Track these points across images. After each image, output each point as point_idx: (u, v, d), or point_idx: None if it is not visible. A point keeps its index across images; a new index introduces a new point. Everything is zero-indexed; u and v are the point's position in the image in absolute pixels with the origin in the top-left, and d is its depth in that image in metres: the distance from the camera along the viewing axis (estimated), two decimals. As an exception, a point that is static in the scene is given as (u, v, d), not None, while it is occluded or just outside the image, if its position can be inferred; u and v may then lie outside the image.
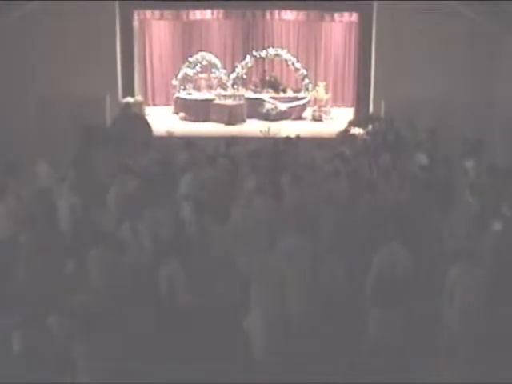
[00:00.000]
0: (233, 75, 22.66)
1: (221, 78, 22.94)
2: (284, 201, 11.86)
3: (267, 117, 21.83)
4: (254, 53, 22.78)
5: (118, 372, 7.64)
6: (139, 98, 21.32)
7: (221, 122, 21.35)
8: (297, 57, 23.32)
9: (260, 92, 22.96)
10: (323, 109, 22.36)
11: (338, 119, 21.65)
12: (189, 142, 14.71)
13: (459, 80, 18.63)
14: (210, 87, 23.12)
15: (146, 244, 10.48)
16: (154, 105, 24.19)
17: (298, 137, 15.56)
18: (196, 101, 22.26)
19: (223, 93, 22.19)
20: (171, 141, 17.16)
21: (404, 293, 9.00)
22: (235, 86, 22.49)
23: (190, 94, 22.63)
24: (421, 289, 9.70)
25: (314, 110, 22.40)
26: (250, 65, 22.79)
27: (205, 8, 21.73)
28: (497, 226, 10.63)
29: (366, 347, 8.69)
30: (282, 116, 22.05)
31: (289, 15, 22.32)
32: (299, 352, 8.97)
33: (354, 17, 21.63)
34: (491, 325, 8.98)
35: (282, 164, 13.51)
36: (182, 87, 22.82)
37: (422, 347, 9.06)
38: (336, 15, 22.14)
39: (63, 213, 11.51)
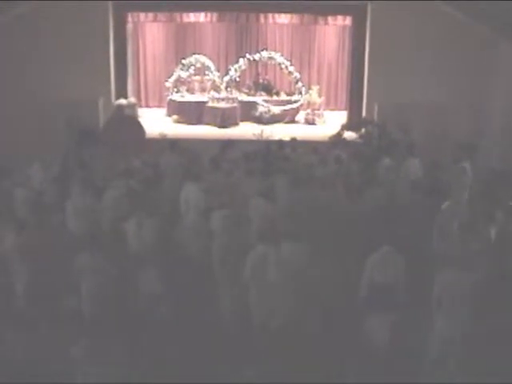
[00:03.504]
0: (226, 78, 22.60)
1: (214, 81, 22.88)
2: (279, 204, 11.88)
3: (260, 120, 21.81)
4: (248, 56, 22.72)
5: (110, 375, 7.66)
6: (132, 99, 21.29)
7: (214, 124, 21.32)
8: (290, 60, 23.30)
9: (253, 95, 22.89)
10: (316, 112, 22.33)
11: (331, 123, 21.65)
12: (175, 144, 14.59)
13: (454, 83, 18.69)
14: (203, 90, 23.07)
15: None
16: (147, 107, 24.11)
17: (293, 140, 15.62)
18: (189, 103, 22.22)
19: (216, 95, 22.14)
20: (164, 143, 17.03)
21: (396, 297, 9.09)
22: (228, 89, 22.44)
23: (183, 96, 22.57)
24: (413, 293, 9.66)
25: (307, 114, 22.38)
26: (243, 68, 22.72)
27: (199, 10, 21.67)
28: (491, 230, 10.59)
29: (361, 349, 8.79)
30: (275, 119, 22.01)
31: (282, 18, 22.20)
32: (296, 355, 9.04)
33: (348, 20, 21.57)
34: (481, 329, 9.01)
35: (276, 167, 13.42)
36: (176, 89, 22.76)
37: (414, 351, 9.12)
38: (330, 18, 22.02)
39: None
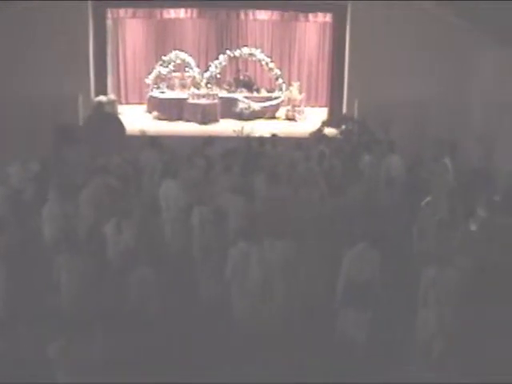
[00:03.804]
0: (207, 74, 22.56)
1: (194, 77, 22.79)
2: (257, 200, 11.83)
3: (241, 116, 21.79)
4: (228, 52, 22.69)
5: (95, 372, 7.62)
6: (112, 96, 21.16)
7: (194, 121, 21.25)
8: (271, 56, 23.29)
9: (234, 91, 22.90)
10: (297, 108, 22.36)
11: (312, 119, 21.64)
12: (155, 141, 14.52)
13: (433, 81, 18.70)
14: (183, 86, 22.97)
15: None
16: (127, 103, 24.04)
17: (274, 136, 15.53)
18: (169, 100, 22.13)
19: (197, 92, 22.05)
20: (144, 140, 16.92)
21: (373, 293, 9.09)
22: (209, 85, 22.38)
23: (163, 92, 22.49)
24: (393, 289, 9.72)
25: (288, 110, 22.41)
26: (223, 64, 22.71)
27: (179, 7, 21.60)
28: (472, 226, 10.60)
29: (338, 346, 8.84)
30: (255, 115, 22.02)
31: (263, 15, 22.28)
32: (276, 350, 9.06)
33: (328, 17, 21.61)
34: (467, 324, 9.01)
35: (256, 163, 13.38)
36: (156, 86, 22.70)
37: (396, 347, 9.15)
38: (310, 15, 22.13)
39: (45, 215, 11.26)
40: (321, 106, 23.69)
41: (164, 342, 8.91)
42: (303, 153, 14.06)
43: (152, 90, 22.61)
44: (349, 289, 9.04)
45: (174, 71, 23.03)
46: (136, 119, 21.15)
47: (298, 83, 23.37)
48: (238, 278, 9.46)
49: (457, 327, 8.83)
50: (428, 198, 11.57)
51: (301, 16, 22.27)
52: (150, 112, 22.35)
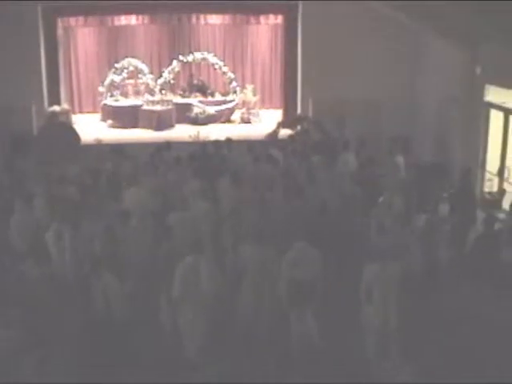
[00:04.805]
0: (160, 80, 22.48)
1: (148, 84, 22.71)
2: (221, 204, 11.94)
3: (196, 121, 21.76)
4: (181, 57, 22.63)
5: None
6: (66, 106, 21.00)
7: (149, 128, 21.17)
8: (224, 60, 23.34)
9: (188, 96, 22.85)
10: (251, 111, 22.42)
11: (267, 121, 21.68)
12: (117, 149, 14.64)
13: (386, 80, 19.00)
14: (137, 93, 22.88)
15: (70, 254, 10.41)
16: (81, 112, 23.80)
17: (228, 139, 15.48)
18: (124, 107, 22.01)
19: (151, 98, 21.98)
20: (100, 149, 16.83)
21: (316, 292, 9.18)
22: (163, 92, 22.29)
23: (117, 100, 22.37)
24: (344, 288, 9.81)
25: (243, 113, 22.44)
26: (177, 69, 22.64)
27: (130, 13, 21.48)
28: (421, 221, 10.86)
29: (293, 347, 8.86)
30: (210, 120, 22.00)
31: (214, 19, 22.20)
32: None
33: (280, 19, 21.63)
34: (412, 320, 9.21)
35: (215, 167, 13.50)
36: (109, 94, 22.54)
37: (345, 345, 9.27)
38: (262, 18, 22.05)
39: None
40: (276, 108, 23.63)
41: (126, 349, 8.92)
42: (257, 155, 14.05)
43: (106, 98, 22.45)
44: (292, 289, 9.12)
45: (128, 78, 22.89)
46: (91, 128, 20.98)
47: (252, 86, 23.41)
48: (187, 294, 9.19)
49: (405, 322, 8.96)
50: (383, 195, 11.85)
51: (252, 19, 22.20)
52: (104, 120, 22.17)
